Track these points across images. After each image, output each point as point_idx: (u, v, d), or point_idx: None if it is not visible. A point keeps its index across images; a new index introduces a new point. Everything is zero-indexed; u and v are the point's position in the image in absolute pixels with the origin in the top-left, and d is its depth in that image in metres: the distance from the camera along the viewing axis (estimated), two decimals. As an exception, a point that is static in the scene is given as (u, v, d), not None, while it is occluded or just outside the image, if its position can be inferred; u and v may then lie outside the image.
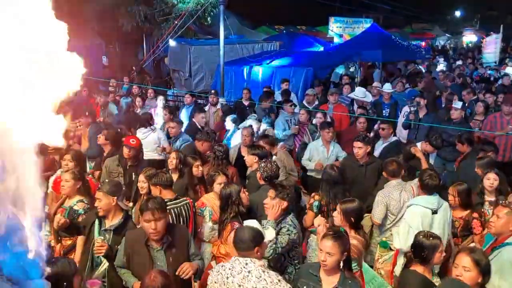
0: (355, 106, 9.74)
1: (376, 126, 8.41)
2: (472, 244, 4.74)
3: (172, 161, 5.83)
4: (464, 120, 8.07)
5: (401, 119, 8.91)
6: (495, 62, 18.48)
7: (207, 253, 4.88)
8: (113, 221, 4.37)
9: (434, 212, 4.81)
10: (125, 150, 6.15)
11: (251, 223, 3.66)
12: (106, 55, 16.01)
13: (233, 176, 6.20)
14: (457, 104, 7.99)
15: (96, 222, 4.39)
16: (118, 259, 4.02)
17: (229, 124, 8.28)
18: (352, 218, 4.27)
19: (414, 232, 4.59)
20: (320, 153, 7.13)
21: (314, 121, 8.37)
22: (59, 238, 4.85)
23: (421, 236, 3.75)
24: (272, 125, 8.59)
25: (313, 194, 5.45)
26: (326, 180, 5.33)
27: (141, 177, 5.28)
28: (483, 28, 38.42)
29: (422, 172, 5.14)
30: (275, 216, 4.25)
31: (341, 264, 3.47)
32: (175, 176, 5.91)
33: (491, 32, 21.92)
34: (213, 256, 4.75)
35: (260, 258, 3.49)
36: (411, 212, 4.91)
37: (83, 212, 4.82)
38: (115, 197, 4.38)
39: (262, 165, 5.21)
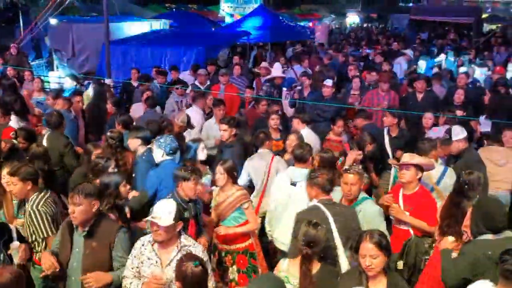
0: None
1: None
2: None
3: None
4: (334, 96, 8.53)
5: (283, 100, 9.21)
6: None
7: None
8: None
9: (293, 183, 4.97)
10: (3, 144, 5.56)
11: (167, 201, 3.72)
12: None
13: (127, 163, 5.92)
14: (328, 82, 8.39)
15: None
16: (53, 245, 3.91)
17: (108, 106, 7.88)
18: (235, 173, 4.92)
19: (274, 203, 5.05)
20: (215, 130, 7.20)
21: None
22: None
23: (311, 229, 3.55)
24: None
25: None
26: None
27: (4, 173, 4.64)
28: (364, 9, 40.85)
29: (258, 134, 5.77)
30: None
31: None
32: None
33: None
34: None
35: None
36: (275, 182, 5.23)
37: None
38: None
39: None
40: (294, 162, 5.24)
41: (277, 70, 10.08)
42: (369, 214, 4.25)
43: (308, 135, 6.62)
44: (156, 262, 3.59)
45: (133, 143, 5.79)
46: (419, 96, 8.49)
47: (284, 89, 9.74)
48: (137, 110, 8.17)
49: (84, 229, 3.70)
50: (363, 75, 10.32)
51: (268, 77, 10.00)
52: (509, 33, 22.41)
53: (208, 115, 7.99)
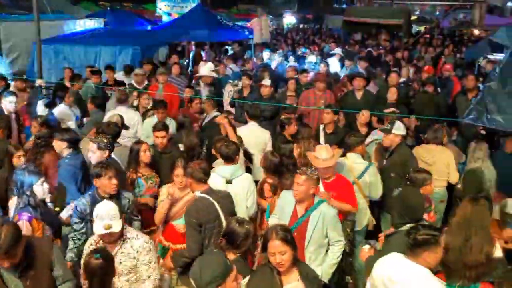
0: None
1: None
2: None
3: None
4: (273, 95, 8.64)
5: (226, 98, 9.25)
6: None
7: None
8: None
9: (229, 181, 5.07)
10: None
11: (104, 204, 3.78)
12: None
13: (49, 164, 5.63)
14: (266, 82, 8.49)
15: None
16: None
17: (40, 108, 7.61)
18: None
19: None
20: None
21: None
22: None
23: (234, 223, 3.76)
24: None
25: None
26: None
27: None
28: (301, 11, 41.64)
29: (216, 141, 5.65)
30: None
31: None
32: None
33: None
34: None
35: None
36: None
37: None
38: None
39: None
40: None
41: (204, 69, 10.04)
42: (328, 216, 4.40)
43: (256, 129, 6.82)
44: None
45: (59, 145, 5.60)
46: (358, 94, 8.62)
47: (230, 81, 9.79)
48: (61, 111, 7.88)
49: (17, 264, 3.40)
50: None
51: (197, 75, 10.19)
52: (436, 34, 23.65)
53: (142, 116, 7.84)
